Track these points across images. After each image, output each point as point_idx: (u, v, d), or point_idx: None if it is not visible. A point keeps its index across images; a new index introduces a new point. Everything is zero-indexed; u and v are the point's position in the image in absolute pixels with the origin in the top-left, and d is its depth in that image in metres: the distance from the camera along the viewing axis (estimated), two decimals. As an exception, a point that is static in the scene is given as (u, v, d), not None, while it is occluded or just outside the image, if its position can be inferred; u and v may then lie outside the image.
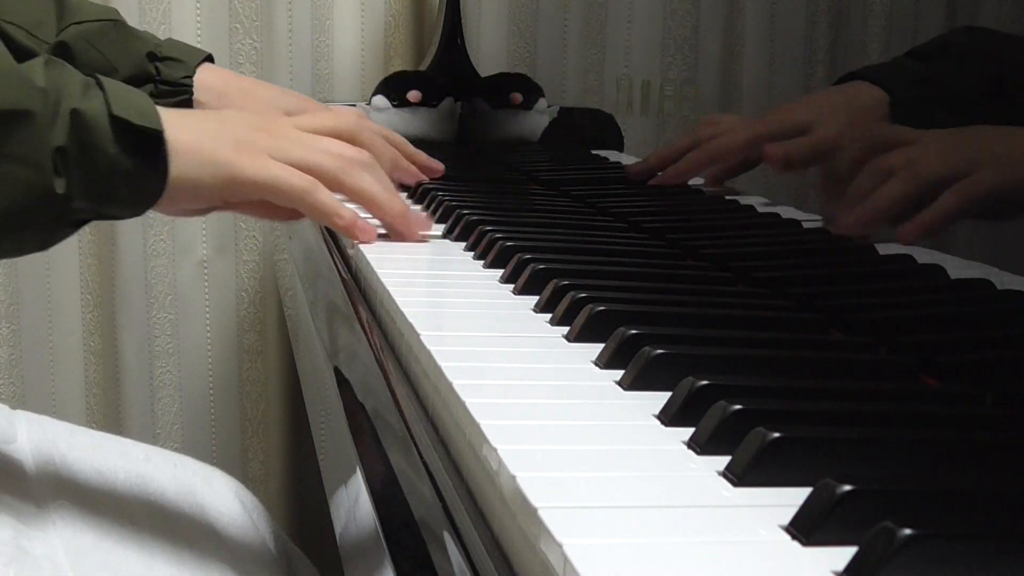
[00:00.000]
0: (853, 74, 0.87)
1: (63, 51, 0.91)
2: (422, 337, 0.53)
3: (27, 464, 0.77)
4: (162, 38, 0.97)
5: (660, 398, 0.45)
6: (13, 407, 0.85)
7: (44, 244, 0.68)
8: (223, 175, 0.71)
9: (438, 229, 0.84)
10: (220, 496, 0.83)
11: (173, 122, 0.70)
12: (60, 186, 0.64)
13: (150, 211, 0.71)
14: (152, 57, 0.94)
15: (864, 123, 0.85)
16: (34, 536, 0.68)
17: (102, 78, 0.68)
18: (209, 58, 0.97)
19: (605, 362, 0.51)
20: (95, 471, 0.79)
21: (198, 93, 0.94)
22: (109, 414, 1.57)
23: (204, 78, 0.95)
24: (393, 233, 0.80)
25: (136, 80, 0.92)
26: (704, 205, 0.97)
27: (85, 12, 0.94)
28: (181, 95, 0.94)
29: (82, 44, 0.93)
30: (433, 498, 0.43)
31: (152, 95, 0.89)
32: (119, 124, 0.66)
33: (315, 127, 0.80)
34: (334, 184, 0.76)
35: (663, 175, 1.04)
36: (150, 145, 0.68)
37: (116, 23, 0.94)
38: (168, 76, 0.94)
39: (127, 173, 0.67)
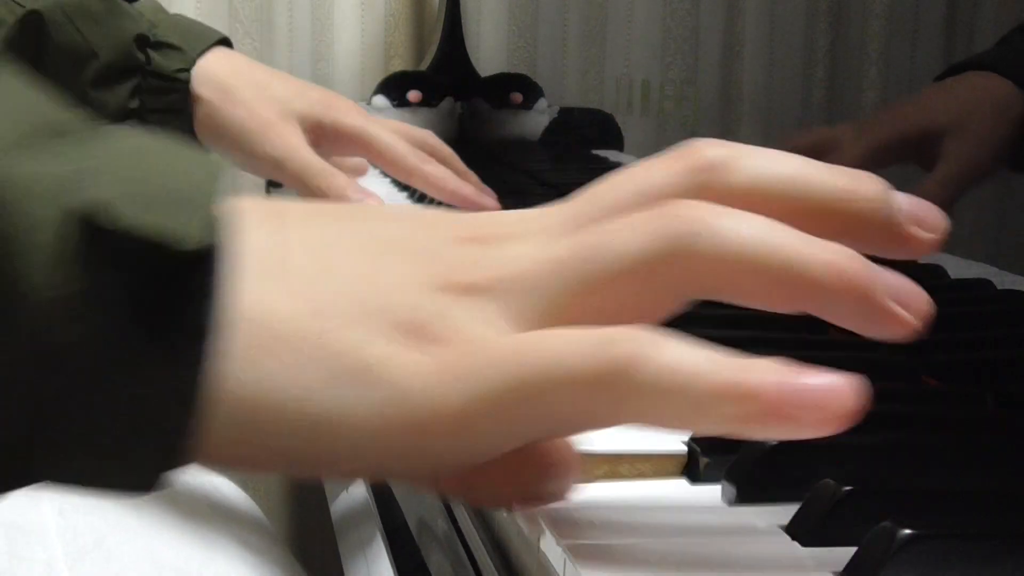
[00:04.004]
0: (965, 63, 0.76)
1: (35, 22, 0.71)
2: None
3: None
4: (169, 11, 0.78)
5: (660, 398, 0.45)
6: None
7: None
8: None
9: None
10: (233, 500, 0.83)
11: (258, 242, 0.29)
12: None
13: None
14: (142, 42, 0.73)
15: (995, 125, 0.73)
16: (32, 540, 0.68)
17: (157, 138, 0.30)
18: (224, 41, 0.77)
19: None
20: None
21: (198, 86, 0.74)
22: (109, 414, 1.57)
23: (207, 66, 0.74)
24: None
25: (120, 71, 0.73)
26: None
27: None
28: (171, 92, 0.74)
29: (59, 16, 0.71)
30: (433, 498, 0.43)
31: (137, 91, 0.74)
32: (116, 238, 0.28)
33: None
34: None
35: None
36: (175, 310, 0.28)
37: None
38: (160, 67, 0.73)
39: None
